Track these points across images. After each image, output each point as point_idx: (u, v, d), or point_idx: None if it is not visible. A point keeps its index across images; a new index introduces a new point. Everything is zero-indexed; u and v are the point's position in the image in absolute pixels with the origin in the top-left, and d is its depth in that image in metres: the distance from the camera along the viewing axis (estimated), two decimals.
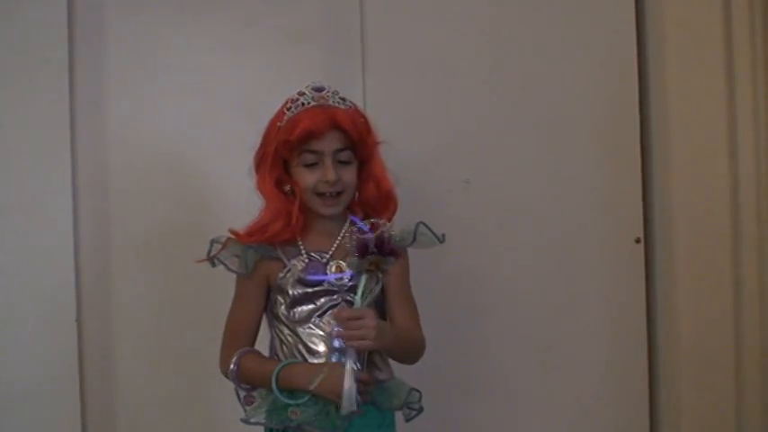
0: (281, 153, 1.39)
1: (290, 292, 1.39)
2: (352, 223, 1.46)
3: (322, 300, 1.39)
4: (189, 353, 1.82)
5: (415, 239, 1.43)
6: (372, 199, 1.47)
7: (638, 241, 2.03)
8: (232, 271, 1.41)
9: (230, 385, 1.40)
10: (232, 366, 1.38)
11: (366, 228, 1.40)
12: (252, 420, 1.38)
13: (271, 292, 1.43)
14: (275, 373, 1.33)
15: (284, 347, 1.40)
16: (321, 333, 1.38)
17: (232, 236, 1.40)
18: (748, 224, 2.08)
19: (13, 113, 1.70)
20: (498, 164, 1.97)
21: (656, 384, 2.07)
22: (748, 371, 2.08)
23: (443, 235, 1.43)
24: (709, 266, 2.08)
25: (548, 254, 1.99)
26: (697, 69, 2.07)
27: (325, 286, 1.39)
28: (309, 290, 1.39)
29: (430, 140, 1.91)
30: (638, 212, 2.04)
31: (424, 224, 1.43)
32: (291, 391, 1.34)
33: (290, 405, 1.34)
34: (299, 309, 1.39)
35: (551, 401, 1.99)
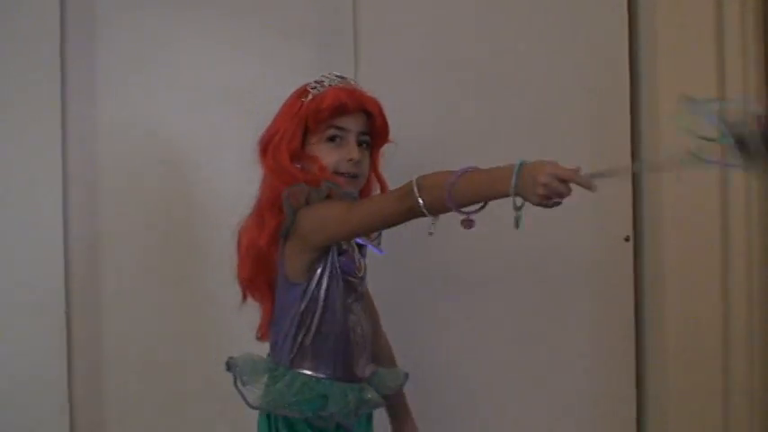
0: (310, 124, 1.34)
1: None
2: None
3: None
4: (179, 347, 1.82)
5: None
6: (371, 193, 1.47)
7: (626, 239, 2.05)
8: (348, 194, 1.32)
9: (224, 380, 1.36)
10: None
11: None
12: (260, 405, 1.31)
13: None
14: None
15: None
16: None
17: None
18: (737, 223, 2.08)
19: (3, 107, 1.69)
20: (489, 161, 1.96)
21: (644, 383, 2.08)
22: (735, 369, 2.09)
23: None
24: (698, 265, 2.08)
25: (537, 251, 1.99)
26: (688, 67, 2.07)
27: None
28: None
29: (422, 136, 1.91)
30: (628, 211, 2.05)
31: None
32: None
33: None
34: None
35: (538, 399, 2.00)
